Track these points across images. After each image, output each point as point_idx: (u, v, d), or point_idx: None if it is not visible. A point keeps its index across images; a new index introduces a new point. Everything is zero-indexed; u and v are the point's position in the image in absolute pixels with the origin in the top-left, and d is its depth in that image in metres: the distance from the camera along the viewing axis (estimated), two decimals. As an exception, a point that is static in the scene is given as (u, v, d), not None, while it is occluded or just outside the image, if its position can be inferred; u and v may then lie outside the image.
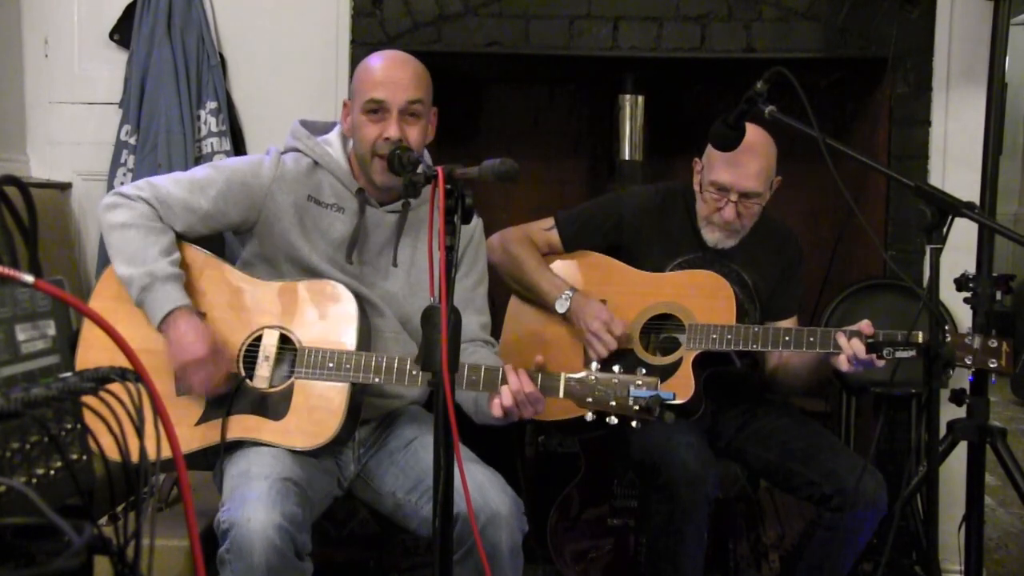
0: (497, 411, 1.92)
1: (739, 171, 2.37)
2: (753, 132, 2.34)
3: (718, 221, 2.45)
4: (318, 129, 2.22)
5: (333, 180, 2.14)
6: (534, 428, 3.12)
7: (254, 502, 1.79)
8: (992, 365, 2.08)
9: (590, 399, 1.85)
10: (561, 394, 1.89)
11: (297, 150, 2.17)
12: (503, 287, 2.61)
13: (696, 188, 2.52)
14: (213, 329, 2.04)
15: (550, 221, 2.60)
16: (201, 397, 2.04)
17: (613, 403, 1.82)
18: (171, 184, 2.10)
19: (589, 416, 1.88)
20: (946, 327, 2.03)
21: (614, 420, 1.85)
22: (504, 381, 1.91)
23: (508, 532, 1.92)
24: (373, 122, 2.05)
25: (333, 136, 2.20)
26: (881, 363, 2.16)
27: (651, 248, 2.54)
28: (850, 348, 2.17)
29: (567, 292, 2.46)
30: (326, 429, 2.00)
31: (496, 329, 2.53)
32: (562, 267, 2.58)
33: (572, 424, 2.41)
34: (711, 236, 2.49)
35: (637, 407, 1.80)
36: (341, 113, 2.17)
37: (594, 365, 1.88)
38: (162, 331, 2.00)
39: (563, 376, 1.89)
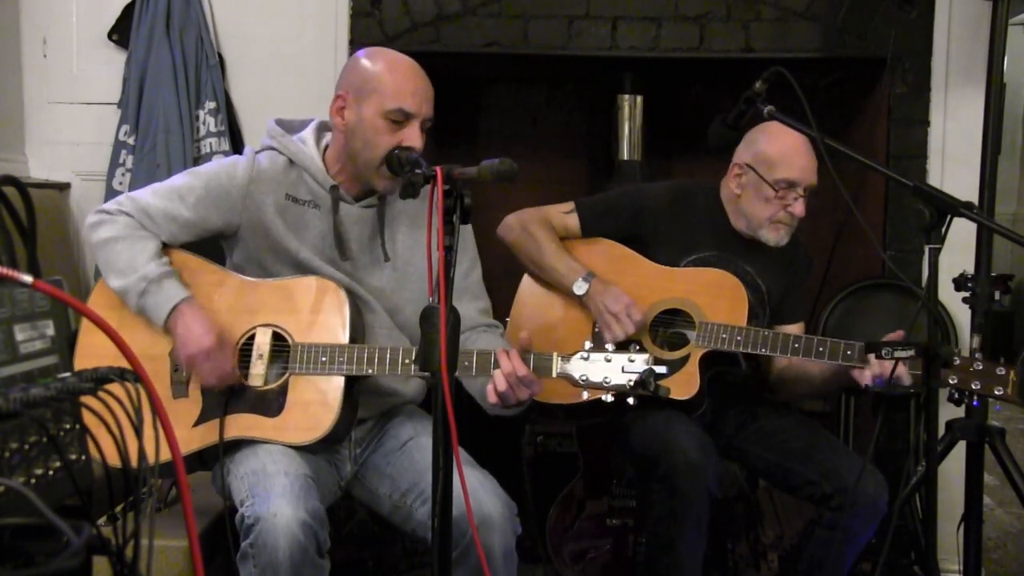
0: (492, 397, 1.91)
1: (806, 167, 2.41)
2: (791, 131, 2.35)
3: (786, 219, 2.45)
4: (293, 128, 2.20)
5: (307, 177, 2.13)
6: (533, 428, 3.12)
7: (279, 498, 1.80)
8: (998, 392, 2.08)
9: (584, 378, 1.85)
10: (554, 374, 1.88)
11: (272, 148, 2.16)
12: (509, 276, 2.61)
13: (736, 191, 2.51)
14: (224, 288, 2.06)
15: (570, 205, 2.59)
16: (199, 399, 2.04)
17: (607, 380, 1.82)
18: (151, 196, 2.10)
19: (585, 395, 1.88)
20: (955, 351, 2.04)
21: (610, 398, 1.84)
22: (497, 365, 1.90)
23: (501, 535, 1.92)
24: (392, 130, 2.00)
25: (307, 134, 2.17)
26: (908, 381, 2.15)
27: (667, 241, 2.54)
28: (878, 366, 2.16)
29: (586, 275, 2.46)
30: (322, 423, 2.00)
31: (505, 308, 2.53)
32: (577, 252, 2.58)
33: (572, 409, 2.41)
34: (775, 235, 2.48)
35: (631, 383, 1.80)
36: (332, 105, 2.08)
37: (587, 344, 1.88)
38: (168, 328, 2.01)
39: (556, 356, 1.88)
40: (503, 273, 2.61)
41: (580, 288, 2.45)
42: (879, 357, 2.15)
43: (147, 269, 2.01)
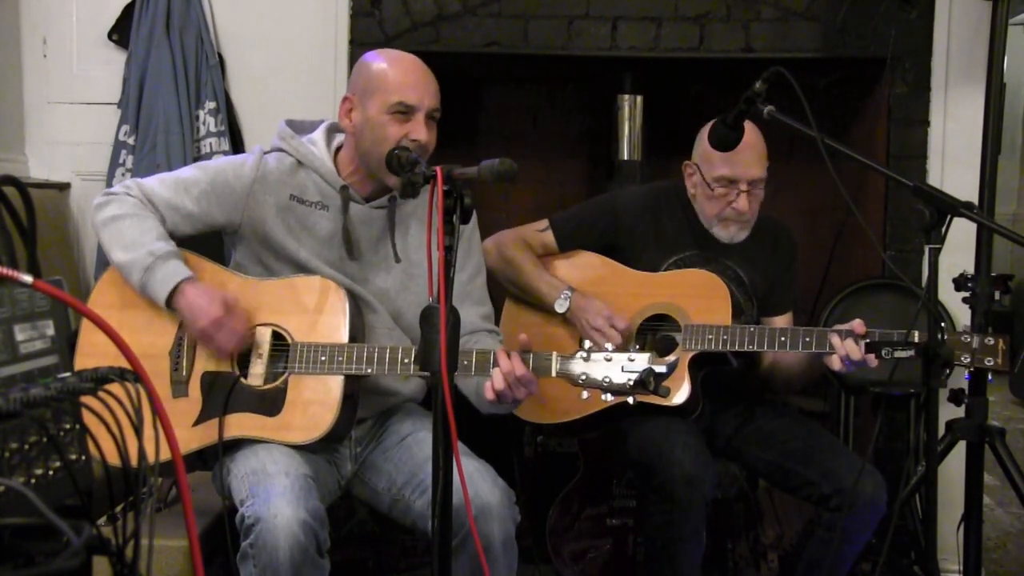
0: (489, 394, 1.91)
1: (741, 162, 2.38)
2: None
3: (732, 215, 2.45)
4: (304, 128, 2.22)
5: (317, 178, 2.14)
6: (533, 429, 3.11)
7: (279, 498, 1.80)
8: (989, 363, 2.08)
9: (584, 377, 1.85)
10: (554, 373, 1.88)
11: (281, 150, 2.17)
12: (499, 290, 2.61)
13: (692, 191, 2.52)
14: (224, 289, 2.06)
15: (544, 223, 2.60)
16: (198, 398, 2.04)
17: (607, 380, 1.82)
18: (156, 184, 2.12)
19: (584, 395, 1.88)
20: (942, 324, 2.02)
21: (609, 398, 1.84)
22: (496, 364, 1.91)
23: (500, 523, 1.93)
24: (399, 123, 2.03)
25: (317, 135, 2.19)
26: (875, 363, 2.16)
27: (646, 247, 2.54)
28: (843, 348, 2.17)
29: (566, 292, 2.46)
30: (322, 422, 2.00)
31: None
32: (557, 268, 2.58)
33: (571, 426, 2.42)
34: (725, 232, 2.48)
35: (631, 383, 1.80)
36: (341, 108, 2.13)
37: (587, 343, 1.87)
38: (172, 307, 2.02)
39: (555, 355, 1.89)
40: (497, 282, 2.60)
41: (561, 306, 2.46)
42: (879, 357, 2.16)
43: (155, 246, 2.02)
